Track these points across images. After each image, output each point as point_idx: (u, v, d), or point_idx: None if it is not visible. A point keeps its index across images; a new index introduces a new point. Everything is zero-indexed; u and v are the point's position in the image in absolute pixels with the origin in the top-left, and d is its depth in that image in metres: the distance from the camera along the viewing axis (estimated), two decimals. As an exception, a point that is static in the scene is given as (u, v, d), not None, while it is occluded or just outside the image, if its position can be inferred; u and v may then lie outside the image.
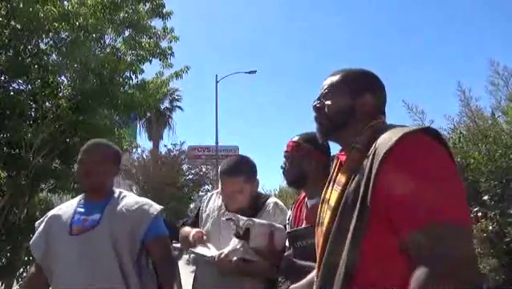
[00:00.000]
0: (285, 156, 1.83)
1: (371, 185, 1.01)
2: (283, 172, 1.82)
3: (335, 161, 1.32)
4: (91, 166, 1.84)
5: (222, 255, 1.87)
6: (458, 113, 3.33)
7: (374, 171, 1.01)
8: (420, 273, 0.89)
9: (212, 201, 2.18)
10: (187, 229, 2.16)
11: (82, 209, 1.87)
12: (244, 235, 1.72)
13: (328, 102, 1.23)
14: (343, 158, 1.23)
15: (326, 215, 1.18)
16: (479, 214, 2.73)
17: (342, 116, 1.21)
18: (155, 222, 1.86)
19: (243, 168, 2.03)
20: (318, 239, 1.21)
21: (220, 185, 2.11)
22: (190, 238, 2.06)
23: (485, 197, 2.74)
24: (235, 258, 1.83)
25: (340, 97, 1.22)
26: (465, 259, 0.91)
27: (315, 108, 1.26)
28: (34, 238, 1.92)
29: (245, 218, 1.76)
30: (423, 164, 0.99)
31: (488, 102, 3.33)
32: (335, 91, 1.24)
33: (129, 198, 1.92)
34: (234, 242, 1.87)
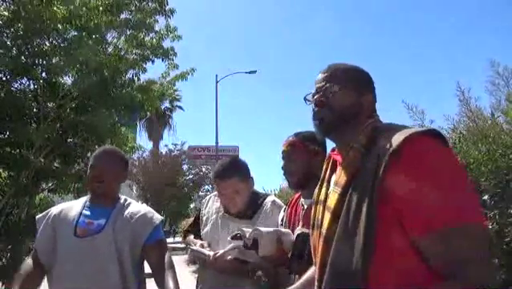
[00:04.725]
0: (285, 156, 1.76)
1: (378, 186, 0.98)
2: (285, 173, 1.77)
3: (326, 161, 1.28)
4: (103, 172, 1.86)
5: (218, 255, 1.88)
6: (457, 113, 3.32)
7: (381, 172, 0.98)
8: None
9: (210, 204, 2.21)
10: (193, 239, 2.20)
11: (87, 212, 1.88)
12: (252, 245, 1.73)
13: (335, 97, 1.17)
14: (338, 158, 1.20)
15: (325, 218, 1.14)
16: (479, 214, 2.73)
17: (348, 112, 1.16)
18: (155, 230, 1.89)
19: (236, 169, 2.04)
20: (316, 242, 1.17)
21: (216, 189, 2.13)
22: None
23: (485, 197, 2.74)
24: (230, 257, 1.85)
25: (348, 93, 1.17)
26: (479, 259, 0.92)
27: (319, 103, 1.18)
28: (38, 237, 1.91)
29: (250, 229, 1.77)
30: (434, 166, 0.97)
31: (488, 102, 3.32)
32: (342, 86, 1.18)
33: (133, 206, 1.94)
34: (232, 244, 1.88)
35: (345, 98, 1.17)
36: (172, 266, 1.82)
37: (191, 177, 23.64)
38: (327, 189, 1.20)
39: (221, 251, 1.89)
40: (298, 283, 1.43)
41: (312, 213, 1.24)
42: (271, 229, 1.80)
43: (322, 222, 1.15)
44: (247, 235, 1.74)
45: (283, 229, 1.81)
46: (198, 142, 24.70)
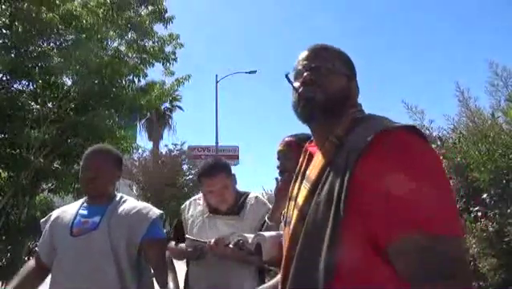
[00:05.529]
0: (281, 156, 1.77)
1: (345, 185, 0.90)
2: (281, 173, 1.77)
3: (303, 153, 1.20)
4: (94, 172, 1.85)
5: (218, 239, 1.90)
6: (457, 113, 3.33)
7: (349, 170, 0.90)
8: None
9: (192, 208, 2.23)
10: (174, 244, 2.20)
11: (84, 212, 1.89)
12: (256, 251, 1.73)
13: (328, 77, 1.06)
14: (314, 150, 1.11)
15: (293, 214, 1.05)
16: (479, 214, 2.73)
17: (340, 96, 1.05)
18: (152, 226, 1.86)
19: (221, 166, 2.15)
20: (285, 239, 1.09)
21: (203, 190, 2.16)
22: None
23: (485, 196, 2.74)
24: (231, 246, 1.86)
25: (339, 76, 1.07)
26: (459, 262, 0.86)
27: (309, 81, 1.05)
28: (40, 240, 1.97)
29: (252, 235, 1.78)
30: (427, 164, 0.91)
31: (487, 102, 3.32)
32: (334, 67, 1.07)
33: (129, 203, 1.92)
34: (233, 233, 1.90)
35: (337, 80, 1.07)
36: (172, 266, 1.82)
37: (191, 177, 23.59)
38: (301, 183, 1.11)
39: (220, 237, 1.92)
40: (268, 284, 1.39)
41: (286, 210, 1.17)
42: (274, 233, 1.82)
43: (292, 219, 1.07)
44: (249, 240, 1.75)
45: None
46: (198, 142, 24.73)
